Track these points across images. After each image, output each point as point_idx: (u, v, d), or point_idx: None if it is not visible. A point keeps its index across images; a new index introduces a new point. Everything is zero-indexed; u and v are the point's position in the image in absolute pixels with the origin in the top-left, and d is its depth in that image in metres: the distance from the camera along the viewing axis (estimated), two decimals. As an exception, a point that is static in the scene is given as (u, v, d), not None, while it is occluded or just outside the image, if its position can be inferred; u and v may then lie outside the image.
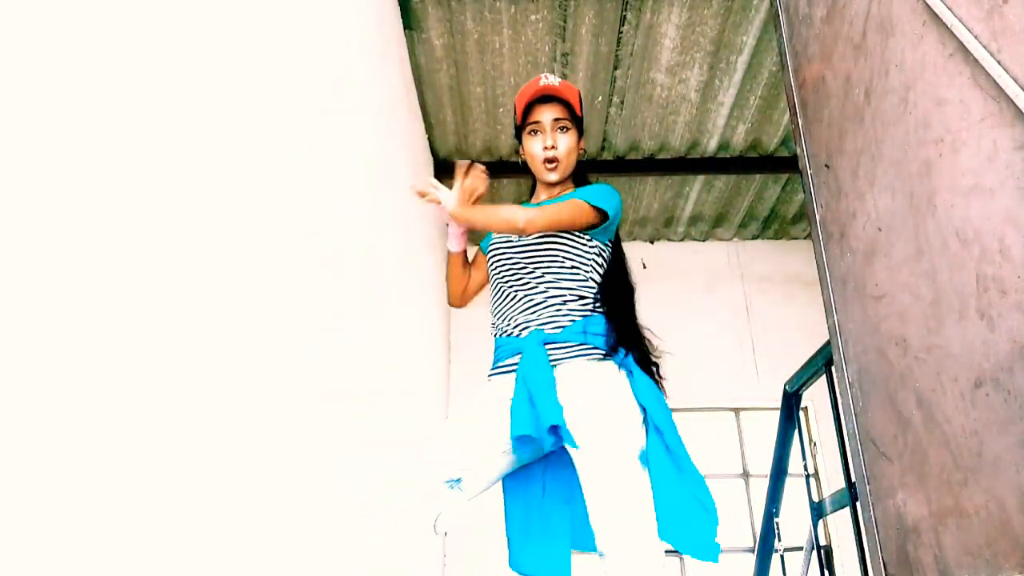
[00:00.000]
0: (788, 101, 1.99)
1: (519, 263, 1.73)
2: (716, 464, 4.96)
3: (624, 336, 1.67)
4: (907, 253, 1.42)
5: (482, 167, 1.65)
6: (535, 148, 1.79)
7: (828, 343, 2.12)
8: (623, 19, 3.61)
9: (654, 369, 1.70)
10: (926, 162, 1.35)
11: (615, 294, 1.74)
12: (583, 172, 1.88)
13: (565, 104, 1.78)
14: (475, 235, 2.11)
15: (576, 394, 1.57)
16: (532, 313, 1.67)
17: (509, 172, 4.47)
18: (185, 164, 1.25)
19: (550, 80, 1.79)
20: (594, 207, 1.67)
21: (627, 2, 3.51)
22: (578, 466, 1.56)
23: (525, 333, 1.66)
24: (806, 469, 3.13)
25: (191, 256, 1.25)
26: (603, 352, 1.63)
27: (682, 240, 5.54)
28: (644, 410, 1.59)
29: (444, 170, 4.45)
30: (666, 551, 1.51)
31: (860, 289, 1.61)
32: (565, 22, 3.63)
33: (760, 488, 4.70)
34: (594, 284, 1.72)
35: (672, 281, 5.28)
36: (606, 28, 3.66)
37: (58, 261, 0.90)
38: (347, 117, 2.36)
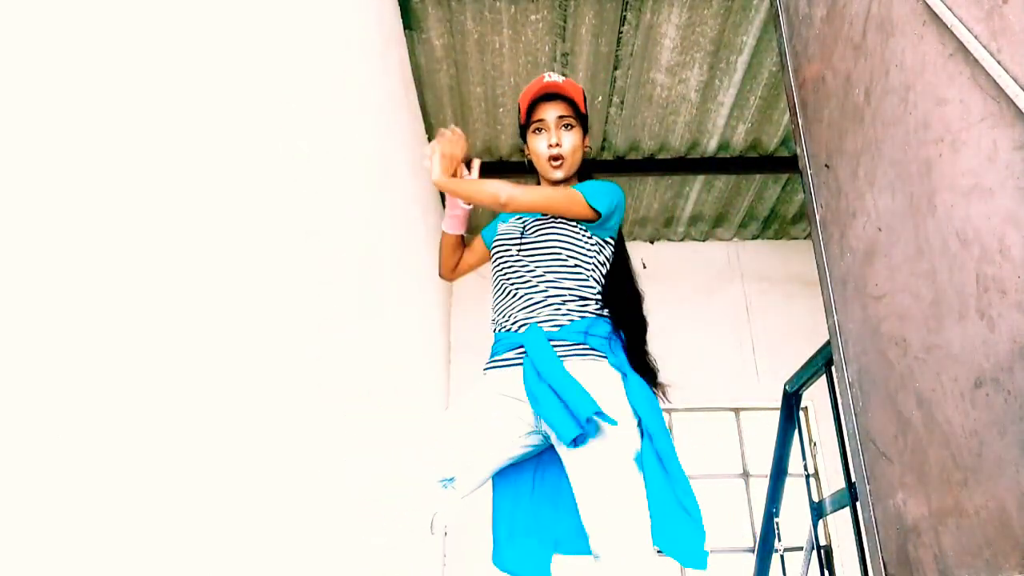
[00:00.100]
0: (788, 101, 1.99)
1: (521, 260, 1.72)
2: (716, 464, 4.94)
3: (638, 360, 1.66)
4: (907, 253, 1.42)
5: (458, 130, 1.72)
6: (540, 146, 1.79)
7: (828, 343, 2.13)
8: (623, 19, 3.61)
9: (652, 376, 1.68)
10: (926, 162, 1.35)
11: (623, 301, 1.73)
12: (588, 170, 1.88)
13: (569, 102, 1.79)
14: (476, 227, 2.11)
15: None
16: (532, 311, 1.67)
17: (510, 172, 4.46)
18: (185, 164, 1.25)
19: (554, 78, 1.79)
20: (588, 202, 1.67)
21: (627, 2, 3.51)
22: (571, 468, 1.54)
23: (523, 329, 1.66)
24: (806, 469, 3.12)
25: (191, 256, 1.26)
26: (600, 353, 1.62)
27: (682, 240, 5.54)
28: (636, 413, 1.57)
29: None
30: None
31: (860, 289, 1.61)
32: (565, 22, 3.63)
33: (760, 488, 4.70)
34: (595, 285, 1.71)
35: (672, 281, 5.28)
36: (606, 28, 3.66)
37: (59, 261, 0.91)
38: (347, 117, 2.36)
